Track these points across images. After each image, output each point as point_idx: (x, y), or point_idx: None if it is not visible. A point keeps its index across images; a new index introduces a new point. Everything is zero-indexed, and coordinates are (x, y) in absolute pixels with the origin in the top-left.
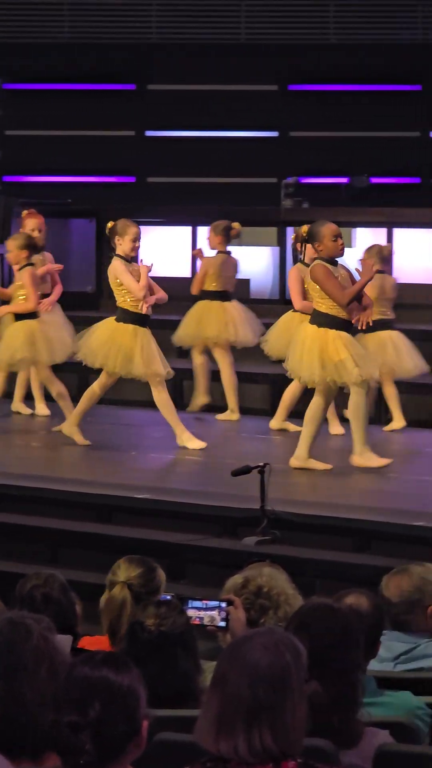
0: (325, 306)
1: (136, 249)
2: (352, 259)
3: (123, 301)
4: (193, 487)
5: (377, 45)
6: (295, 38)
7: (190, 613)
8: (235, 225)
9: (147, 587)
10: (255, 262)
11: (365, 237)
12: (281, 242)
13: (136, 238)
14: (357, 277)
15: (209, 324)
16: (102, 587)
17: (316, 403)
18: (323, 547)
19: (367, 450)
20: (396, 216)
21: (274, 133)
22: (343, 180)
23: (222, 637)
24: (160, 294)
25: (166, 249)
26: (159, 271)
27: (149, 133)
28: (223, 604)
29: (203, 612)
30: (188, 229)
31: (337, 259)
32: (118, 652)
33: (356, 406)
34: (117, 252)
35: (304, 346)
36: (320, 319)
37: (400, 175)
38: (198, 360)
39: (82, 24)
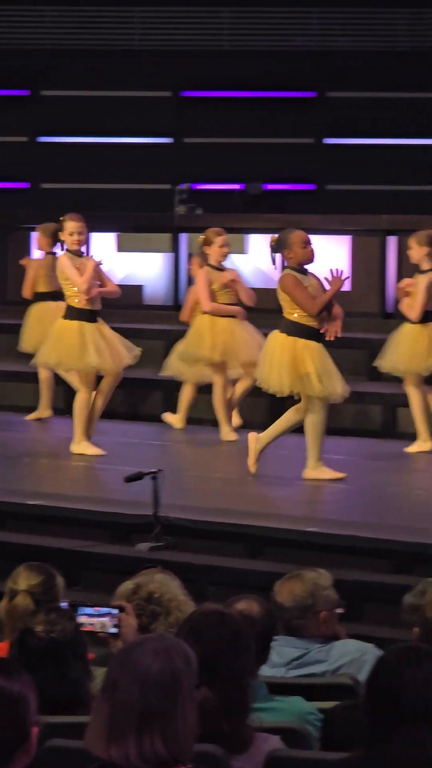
0: (293, 315)
1: (77, 242)
2: (247, 265)
3: (70, 297)
4: (87, 493)
5: (272, 52)
6: (189, 45)
7: (82, 619)
8: None
9: (48, 595)
10: (148, 268)
11: (259, 243)
12: (175, 248)
13: (74, 232)
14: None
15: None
16: None
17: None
18: (216, 553)
19: (320, 464)
20: (290, 222)
21: (168, 140)
22: (237, 186)
23: (113, 643)
24: (109, 288)
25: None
26: None
27: (42, 139)
28: (115, 611)
29: (95, 618)
30: None
31: (306, 267)
32: (9, 658)
33: (313, 421)
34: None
35: (273, 356)
36: (290, 328)
37: (294, 182)
38: (44, 374)
39: None
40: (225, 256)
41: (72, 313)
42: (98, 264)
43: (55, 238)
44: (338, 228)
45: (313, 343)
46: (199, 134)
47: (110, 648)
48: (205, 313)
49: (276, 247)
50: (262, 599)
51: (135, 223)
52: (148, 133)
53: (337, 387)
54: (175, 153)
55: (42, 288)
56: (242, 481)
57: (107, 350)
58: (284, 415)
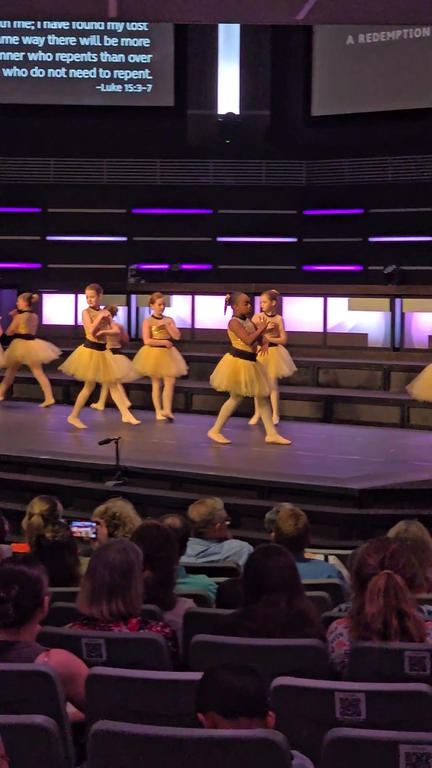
0: (237, 344)
1: (91, 302)
2: (171, 314)
3: (87, 334)
4: (76, 450)
5: (184, 186)
6: (136, 181)
7: (74, 529)
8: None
9: (52, 516)
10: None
11: (179, 301)
12: (128, 304)
13: (88, 296)
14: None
15: None
16: (21, 513)
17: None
18: (153, 488)
19: (218, 432)
20: (197, 288)
21: (124, 238)
22: (165, 266)
23: (92, 543)
24: (113, 330)
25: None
26: None
27: (52, 238)
28: (93, 524)
29: (81, 528)
30: (72, 296)
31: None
32: (30, 553)
33: (228, 405)
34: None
35: (221, 368)
36: (234, 352)
37: (199, 263)
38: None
39: None
40: (162, 310)
41: (87, 344)
42: (106, 315)
43: (29, 302)
44: (225, 291)
45: (247, 362)
46: (143, 234)
47: (91, 546)
48: (146, 345)
49: (229, 302)
50: (181, 516)
51: (104, 289)
52: (112, 234)
53: (255, 390)
54: (128, 246)
55: (21, 331)
56: (170, 443)
57: (104, 369)
58: (261, 410)
